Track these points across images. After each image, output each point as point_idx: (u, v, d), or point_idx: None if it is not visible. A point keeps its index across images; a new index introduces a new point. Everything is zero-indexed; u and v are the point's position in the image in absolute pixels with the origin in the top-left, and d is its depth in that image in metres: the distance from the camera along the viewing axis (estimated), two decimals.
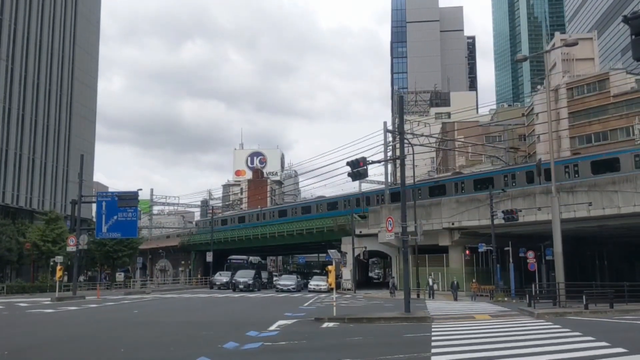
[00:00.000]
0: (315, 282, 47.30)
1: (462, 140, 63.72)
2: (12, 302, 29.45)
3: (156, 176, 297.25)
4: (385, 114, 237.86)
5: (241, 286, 45.90)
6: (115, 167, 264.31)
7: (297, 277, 51.38)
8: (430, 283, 36.99)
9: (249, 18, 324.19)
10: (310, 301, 31.65)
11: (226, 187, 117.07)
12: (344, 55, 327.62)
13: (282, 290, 45.36)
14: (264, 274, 54.84)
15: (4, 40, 53.15)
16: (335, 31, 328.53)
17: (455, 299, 33.69)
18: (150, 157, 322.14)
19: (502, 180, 41.47)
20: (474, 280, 38.39)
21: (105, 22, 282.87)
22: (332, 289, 22.73)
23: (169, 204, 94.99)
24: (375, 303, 30.89)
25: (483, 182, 42.40)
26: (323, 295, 39.63)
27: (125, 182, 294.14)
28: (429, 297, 35.74)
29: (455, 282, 35.70)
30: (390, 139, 53.05)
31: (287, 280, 48.58)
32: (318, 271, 71.80)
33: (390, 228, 25.25)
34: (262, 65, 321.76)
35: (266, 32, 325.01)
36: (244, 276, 47.54)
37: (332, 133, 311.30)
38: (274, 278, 56.23)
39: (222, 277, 51.94)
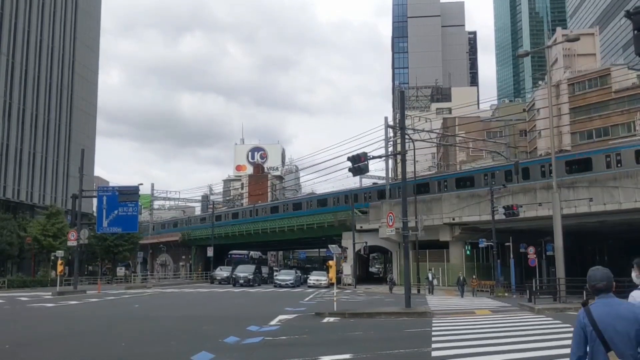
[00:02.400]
0: (315, 277, 46.29)
1: (463, 135, 63.67)
2: (13, 297, 29.52)
3: (155, 170, 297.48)
4: (385, 109, 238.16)
5: (241, 281, 45.65)
6: (114, 162, 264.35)
7: (296, 272, 50.59)
8: (430, 278, 36.10)
9: (247, 11, 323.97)
10: (311, 296, 31.72)
11: (227, 182, 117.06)
12: (343, 49, 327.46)
13: (281, 286, 44.42)
14: (265, 269, 54.77)
15: (4, 35, 53.10)
16: (335, 25, 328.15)
17: (462, 296, 31.39)
18: (149, 151, 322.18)
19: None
20: (474, 276, 37.98)
21: (103, 16, 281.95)
22: (332, 283, 22.74)
23: (169, 199, 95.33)
24: (376, 298, 30.93)
25: None
26: (323, 290, 39.45)
27: (124, 176, 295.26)
28: (429, 292, 35.18)
29: (462, 278, 33.03)
30: (391, 134, 53.12)
31: (286, 275, 47.64)
32: (317, 266, 71.69)
33: (391, 223, 25.30)
34: (262, 59, 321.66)
35: (265, 25, 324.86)
36: (244, 271, 47.39)
37: (332, 127, 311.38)
38: (274, 273, 56.22)
39: (222, 272, 51.98)
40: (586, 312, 3.70)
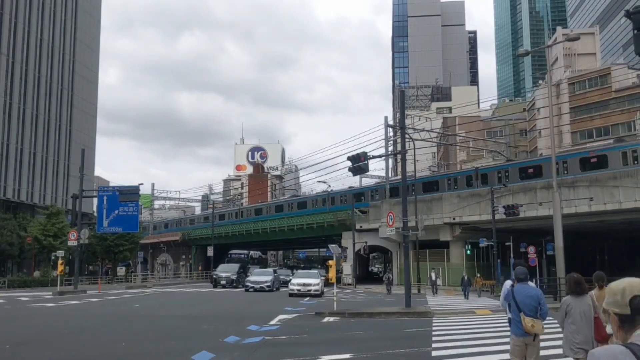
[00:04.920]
0: (299, 281, 31.80)
1: (464, 135, 63.64)
2: (14, 297, 29.53)
3: (154, 170, 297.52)
4: (385, 107, 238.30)
5: (223, 282, 40.92)
6: (112, 161, 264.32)
7: (275, 272, 40.56)
8: (433, 277, 34.97)
9: (245, 9, 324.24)
10: None
11: (227, 181, 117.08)
12: (342, 47, 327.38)
13: (255, 289, 34.91)
14: (253, 269, 53.78)
15: (4, 35, 53.09)
16: (334, 22, 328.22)
17: (467, 297, 29.64)
18: (148, 150, 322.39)
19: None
20: (478, 275, 37.15)
21: (101, 14, 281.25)
22: (332, 283, 22.68)
23: (170, 199, 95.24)
24: (376, 298, 30.92)
25: None
26: (313, 296, 30.59)
27: (123, 176, 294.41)
28: (433, 292, 33.88)
29: (466, 278, 31.12)
30: (391, 133, 53.13)
31: (260, 276, 36.96)
32: (318, 265, 71.15)
33: (391, 223, 25.28)
34: (260, 57, 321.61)
35: (263, 23, 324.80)
36: (227, 271, 42.59)
37: (332, 126, 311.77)
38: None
39: None
40: (511, 289, 6.96)
